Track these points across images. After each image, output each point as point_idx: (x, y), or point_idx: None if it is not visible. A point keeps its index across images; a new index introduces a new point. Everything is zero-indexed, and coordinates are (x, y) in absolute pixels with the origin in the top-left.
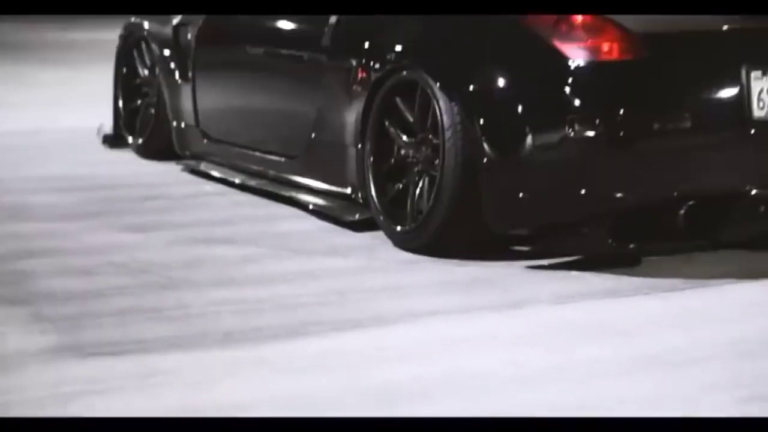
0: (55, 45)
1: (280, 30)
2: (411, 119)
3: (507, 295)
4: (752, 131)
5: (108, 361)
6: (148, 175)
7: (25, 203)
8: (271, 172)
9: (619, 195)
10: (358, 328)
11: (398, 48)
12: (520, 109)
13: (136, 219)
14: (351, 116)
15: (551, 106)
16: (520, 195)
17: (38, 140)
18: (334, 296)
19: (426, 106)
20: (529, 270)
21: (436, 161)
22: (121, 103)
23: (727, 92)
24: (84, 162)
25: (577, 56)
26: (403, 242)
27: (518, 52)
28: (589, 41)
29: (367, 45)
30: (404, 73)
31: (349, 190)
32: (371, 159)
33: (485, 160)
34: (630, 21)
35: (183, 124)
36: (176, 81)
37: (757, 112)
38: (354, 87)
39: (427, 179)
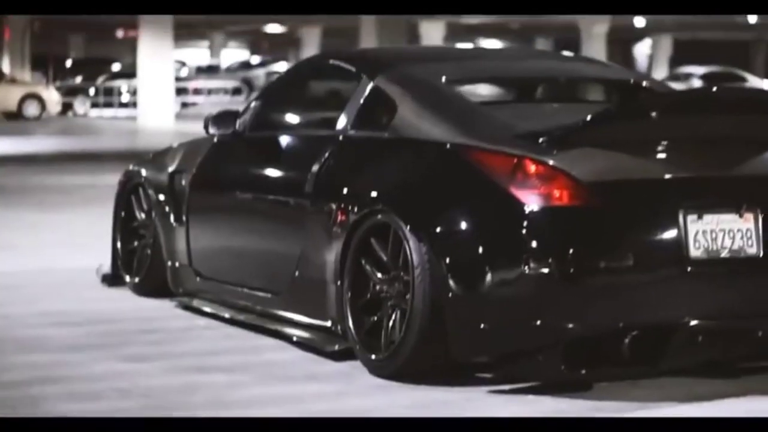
0: (55, 189)
1: (267, 177)
2: (385, 258)
3: (468, 415)
4: (689, 269)
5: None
6: (145, 310)
7: (35, 336)
8: (259, 307)
9: (570, 326)
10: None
11: (373, 194)
12: (481, 249)
13: (135, 350)
14: (331, 255)
15: (509, 246)
16: (482, 326)
17: (44, 279)
18: (314, 416)
19: (398, 246)
20: (490, 394)
21: (407, 296)
22: (119, 245)
23: (667, 234)
24: (86, 299)
25: (531, 202)
26: (377, 369)
27: (479, 197)
28: (543, 188)
29: (345, 191)
30: (379, 216)
31: (329, 323)
32: (349, 294)
33: (450, 295)
34: (579, 171)
35: (177, 264)
36: (171, 224)
37: (694, 252)
38: (334, 229)
39: (398, 312)
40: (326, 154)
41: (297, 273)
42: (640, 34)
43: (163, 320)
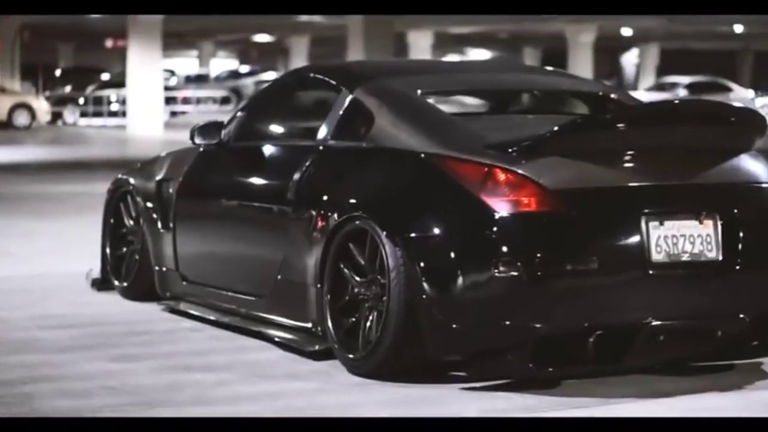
0: (48, 197)
1: (250, 185)
2: (362, 262)
3: (440, 410)
4: (651, 272)
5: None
6: (133, 313)
7: (28, 338)
8: (243, 310)
9: (538, 326)
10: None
11: (352, 201)
12: (453, 253)
13: (124, 350)
14: (311, 260)
15: (480, 250)
16: (454, 327)
17: (37, 284)
18: (294, 412)
19: (375, 250)
20: (462, 390)
21: (384, 298)
22: (108, 250)
23: (630, 239)
24: (77, 303)
25: (501, 209)
26: (355, 368)
27: (452, 204)
28: (512, 196)
29: (325, 198)
30: (357, 222)
31: (309, 324)
32: (329, 297)
33: (424, 297)
34: (546, 179)
35: (164, 269)
36: (159, 230)
37: (655, 256)
38: (314, 234)
39: (375, 314)
40: (307, 163)
41: (279, 277)
42: (627, 44)
43: (151, 323)
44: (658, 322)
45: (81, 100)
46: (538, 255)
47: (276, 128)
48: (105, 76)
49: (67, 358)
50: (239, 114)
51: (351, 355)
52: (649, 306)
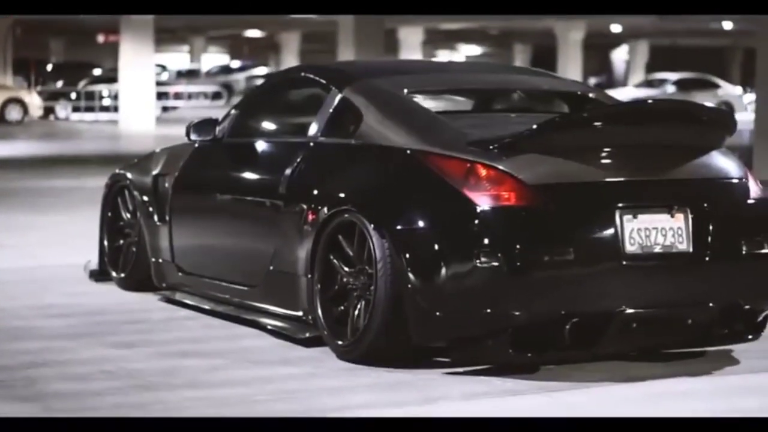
0: (43, 191)
1: (244, 180)
2: (351, 253)
3: (424, 393)
4: (625, 263)
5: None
6: (130, 303)
7: (28, 326)
8: (236, 299)
9: (517, 314)
10: (303, 419)
11: (341, 195)
12: (437, 245)
13: (121, 338)
14: (302, 251)
15: (462, 242)
16: (438, 314)
17: (37, 275)
18: (285, 395)
19: (363, 242)
20: (445, 375)
21: (371, 287)
22: (106, 243)
23: (604, 232)
24: (75, 293)
25: (482, 203)
26: (344, 354)
27: (436, 198)
28: (493, 190)
29: (315, 192)
30: (345, 216)
31: (301, 313)
32: (319, 286)
33: (410, 286)
34: (525, 174)
35: (160, 260)
36: (155, 223)
37: (629, 248)
38: (305, 227)
39: (363, 302)
40: (298, 159)
41: (271, 267)
42: (616, 41)
43: (147, 312)
44: (632, 311)
45: (73, 95)
46: (518, 247)
47: (268, 125)
48: (97, 72)
49: (67, 344)
50: (233, 111)
51: (340, 342)
52: (623, 295)
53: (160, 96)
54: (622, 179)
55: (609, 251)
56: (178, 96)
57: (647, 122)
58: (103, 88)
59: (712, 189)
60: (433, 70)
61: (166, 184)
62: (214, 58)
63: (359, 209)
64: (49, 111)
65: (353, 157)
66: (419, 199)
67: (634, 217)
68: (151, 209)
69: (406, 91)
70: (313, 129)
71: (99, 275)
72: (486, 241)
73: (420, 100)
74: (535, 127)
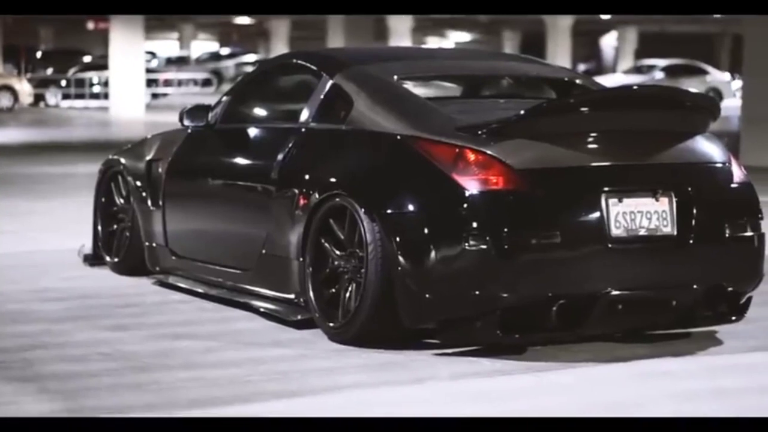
0: (36, 178)
1: (236, 165)
2: (342, 237)
3: (413, 374)
4: (610, 246)
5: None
6: (124, 287)
7: (26, 309)
8: (229, 283)
9: (505, 296)
10: (294, 398)
11: (332, 180)
12: (426, 229)
13: (116, 321)
14: (294, 235)
15: (451, 226)
16: (427, 296)
17: (32, 260)
18: (277, 375)
19: (353, 226)
20: (435, 356)
21: (362, 270)
22: (100, 228)
23: (591, 215)
24: (69, 277)
25: (471, 187)
26: (335, 336)
27: (425, 183)
28: (481, 175)
29: (307, 177)
30: (336, 200)
31: (292, 296)
32: (310, 269)
33: (399, 269)
34: (513, 159)
35: (154, 244)
36: (148, 208)
37: (614, 231)
38: (297, 211)
39: (354, 285)
40: (290, 145)
41: (264, 251)
42: (605, 27)
43: (141, 295)
44: (617, 293)
45: (63, 82)
46: (505, 230)
47: (260, 111)
48: (87, 59)
49: (63, 327)
50: (225, 98)
51: (331, 324)
52: (609, 277)
53: (150, 83)
54: (607, 164)
55: (595, 234)
56: (167, 83)
57: (632, 108)
58: (93, 75)
59: (696, 173)
60: (423, 57)
61: (160, 170)
62: (203, 45)
63: (350, 194)
64: (39, 98)
65: (344, 142)
66: (409, 183)
67: (620, 200)
68: (144, 194)
69: (396, 77)
70: (304, 115)
71: (93, 260)
72: (474, 224)
73: (410, 86)
74: (522, 112)
